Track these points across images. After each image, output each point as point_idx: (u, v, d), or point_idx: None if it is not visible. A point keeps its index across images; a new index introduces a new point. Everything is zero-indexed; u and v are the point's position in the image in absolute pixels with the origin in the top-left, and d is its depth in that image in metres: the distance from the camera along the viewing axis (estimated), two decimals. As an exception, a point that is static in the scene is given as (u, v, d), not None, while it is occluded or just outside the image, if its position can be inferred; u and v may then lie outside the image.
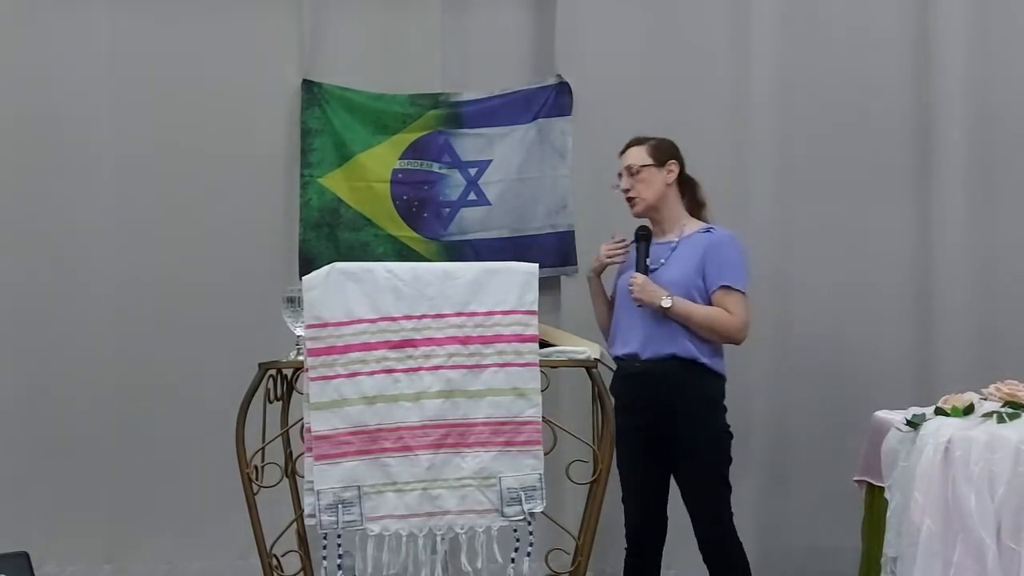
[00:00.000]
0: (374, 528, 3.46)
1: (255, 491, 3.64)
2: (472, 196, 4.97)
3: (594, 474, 3.62)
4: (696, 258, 4.12)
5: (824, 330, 4.99)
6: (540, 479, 3.50)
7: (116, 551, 4.95)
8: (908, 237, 5.00)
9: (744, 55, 4.99)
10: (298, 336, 3.60)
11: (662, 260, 4.17)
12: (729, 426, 4.20)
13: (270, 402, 3.69)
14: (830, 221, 5.00)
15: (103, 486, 4.92)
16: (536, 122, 4.95)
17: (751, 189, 4.99)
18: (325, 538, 3.47)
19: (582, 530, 3.68)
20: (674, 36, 5.01)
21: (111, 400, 4.92)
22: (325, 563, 3.47)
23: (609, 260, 4.28)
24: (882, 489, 3.63)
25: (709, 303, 4.11)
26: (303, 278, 3.56)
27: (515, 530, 3.49)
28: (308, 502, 3.47)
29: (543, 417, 3.52)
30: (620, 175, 4.26)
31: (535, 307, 3.54)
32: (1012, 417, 3.47)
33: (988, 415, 3.50)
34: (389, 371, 3.48)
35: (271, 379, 3.69)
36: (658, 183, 4.21)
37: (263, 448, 3.65)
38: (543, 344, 3.64)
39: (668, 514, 4.27)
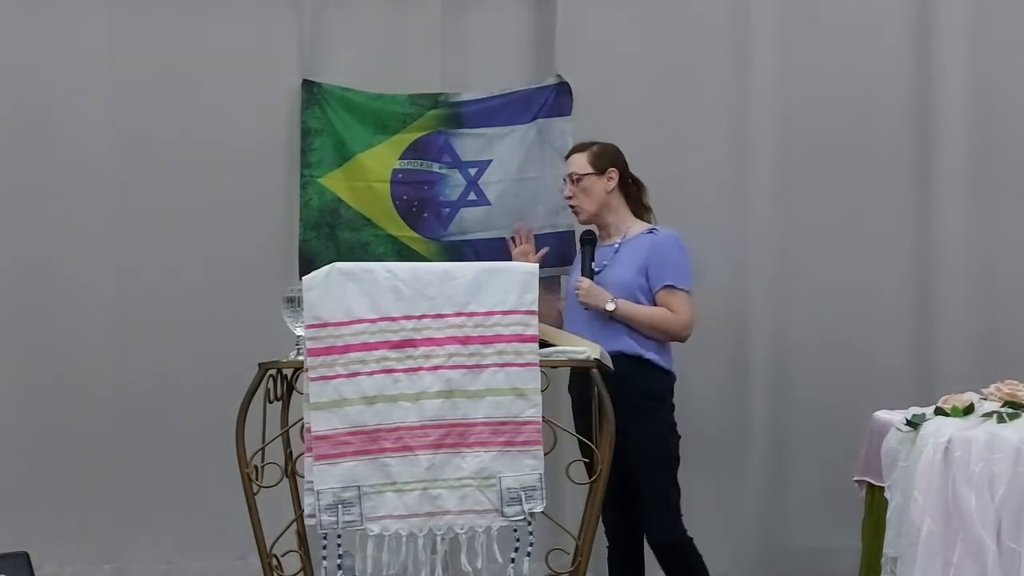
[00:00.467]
0: (374, 528, 3.47)
1: (255, 491, 3.64)
2: (472, 196, 4.96)
3: (594, 474, 3.62)
4: (639, 259, 4.24)
5: (824, 330, 4.99)
6: (540, 479, 3.50)
7: (116, 551, 4.94)
8: (908, 237, 5.00)
9: (744, 55, 4.99)
10: (298, 336, 3.61)
11: (605, 262, 4.28)
12: (676, 425, 4.24)
13: (270, 402, 3.69)
14: (830, 221, 4.99)
15: (103, 486, 4.91)
16: (536, 122, 4.95)
17: (751, 189, 4.99)
18: (325, 538, 3.48)
19: (582, 530, 3.68)
20: (674, 36, 5.01)
21: (111, 400, 4.91)
22: (325, 563, 3.48)
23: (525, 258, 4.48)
24: (882, 489, 3.64)
25: (654, 303, 4.21)
26: (303, 278, 3.56)
27: (515, 530, 3.49)
28: (308, 502, 3.47)
29: (543, 417, 3.52)
30: (565, 181, 4.39)
31: (535, 307, 3.55)
32: (1012, 417, 3.47)
33: (988, 415, 3.51)
34: (389, 371, 3.49)
35: (271, 379, 3.69)
36: (598, 191, 4.33)
37: (263, 448, 3.65)
38: (543, 344, 3.64)
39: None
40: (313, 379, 3.48)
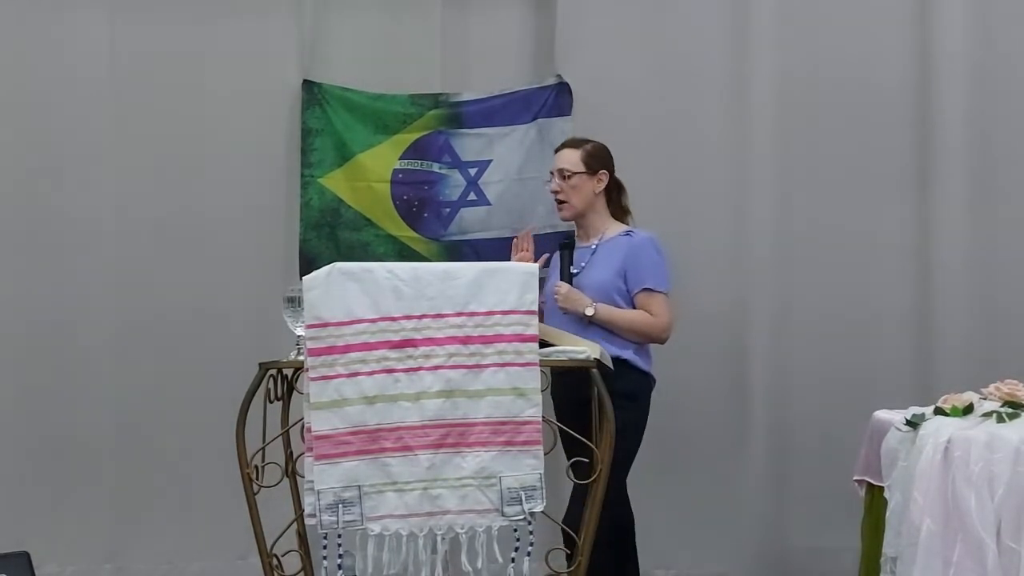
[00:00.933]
0: (374, 528, 3.47)
1: (255, 491, 3.64)
2: (472, 196, 4.97)
3: (594, 474, 3.62)
4: (617, 262, 4.25)
5: (824, 330, 4.99)
6: (540, 479, 3.50)
7: (116, 551, 4.94)
8: (908, 237, 5.00)
9: (744, 55, 4.99)
10: (298, 336, 3.61)
11: (583, 263, 4.29)
12: (643, 429, 4.22)
13: (270, 402, 3.69)
14: (830, 221, 4.99)
15: (103, 486, 4.91)
16: (536, 122, 4.95)
17: (751, 189, 4.99)
18: (325, 538, 3.48)
19: (582, 530, 3.68)
20: (674, 36, 5.01)
21: (111, 400, 4.91)
22: (325, 563, 3.48)
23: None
24: (882, 489, 3.63)
25: (632, 306, 4.22)
26: (303, 278, 3.56)
27: (515, 530, 3.49)
28: (308, 502, 3.47)
29: (543, 417, 3.52)
30: (552, 174, 4.37)
31: (535, 307, 3.55)
32: (1012, 417, 3.47)
33: (988, 415, 3.50)
34: (389, 371, 3.49)
35: (271, 379, 3.69)
36: (587, 191, 4.33)
37: (263, 448, 3.64)
38: (543, 344, 3.64)
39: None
40: (313, 379, 3.48)
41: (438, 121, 4.98)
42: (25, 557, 4.23)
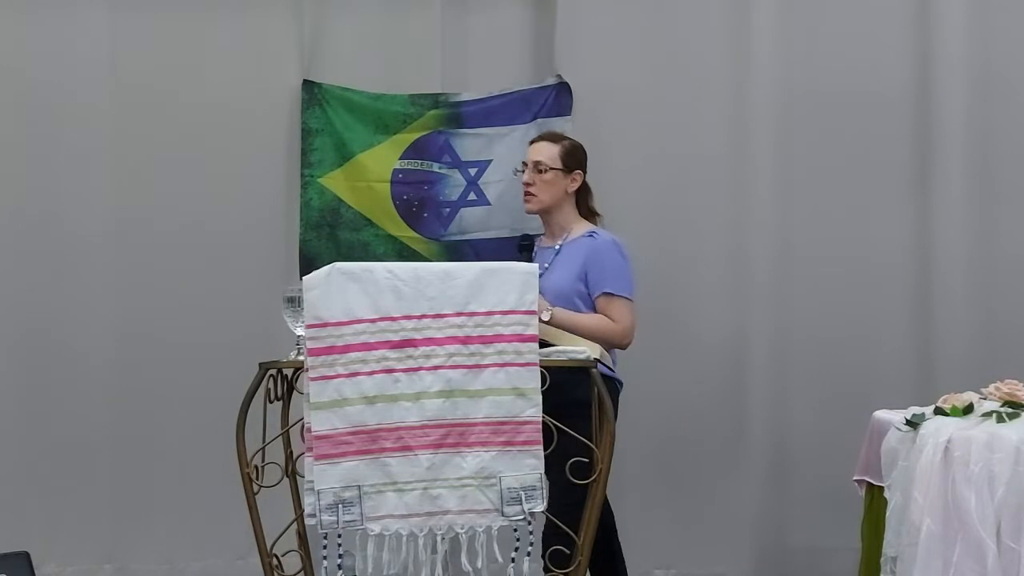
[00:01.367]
0: (374, 528, 3.47)
1: (255, 491, 3.64)
2: (472, 196, 4.97)
3: (594, 474, 3.62)
4: (577, 264, 4.19)
5: (824, 330, 4.98)
6: (540, 479, 3.50)
7: (116, 551, 4.94)
8: (908, 237, 5.00)
9: (744, 55, 4.98)
10: (298, 336, 3.61)
11: (545, 264, 4.23)
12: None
13: (270, 402, 3.69)
14: (830, 220, 4.99)
15: (103, 486, 4.91)
16: (536, 122, 4.95)
17: (751, 188, 4.99)
18: (325, 538, 3.48)
19: (582, 530, 3.68)
20: (674, 36, 5.01)
21: (111, 400, 4.91)
22: (325, 563, 3.48)
23: None
24: (882, 489, 3.63)
25: (594, 309, 4.16)
26: (303, 278, 3.56)
27: (515, 530, 3.49)
28: (308, 502, 3.47)
29: (543, 416, 3.52)
30: (525, 164, 4.33)
31: (535, 307, 3.54)
32: (1012, 417, 3.47)
33: (988, 415, 3.50)
34: (389, 371, 3.49)
35: (271, 379, 3.68)
36: (559, 188, 4.29)
37: (263, 448, 3.64)
38: (543, 344, 3.64)
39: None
40: (313, 379, 3.48)
41: (438, 121, 4.97)
42: (25, 557, 4.23)
